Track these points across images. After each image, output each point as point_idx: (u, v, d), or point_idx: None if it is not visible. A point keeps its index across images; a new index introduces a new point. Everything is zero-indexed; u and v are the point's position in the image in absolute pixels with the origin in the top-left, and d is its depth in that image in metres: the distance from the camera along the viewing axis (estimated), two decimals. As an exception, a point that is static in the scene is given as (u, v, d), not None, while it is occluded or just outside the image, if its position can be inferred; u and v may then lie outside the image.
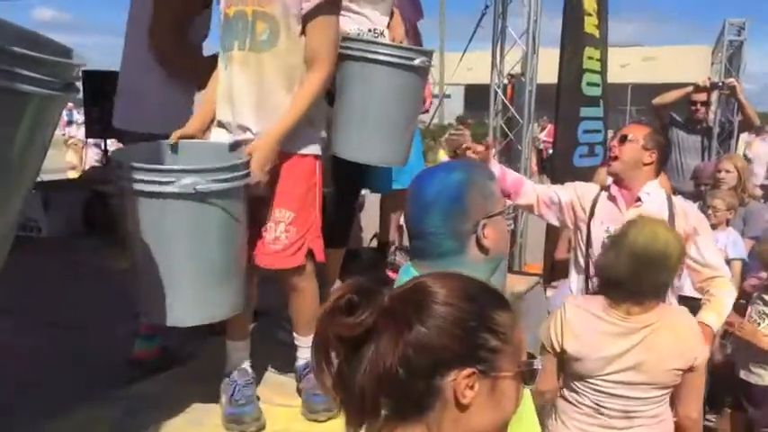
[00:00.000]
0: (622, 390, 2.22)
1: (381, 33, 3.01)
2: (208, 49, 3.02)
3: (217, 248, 2.09)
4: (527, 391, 1.04)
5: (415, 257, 1.46)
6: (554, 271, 4.63)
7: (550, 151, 9.89)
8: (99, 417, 2.25)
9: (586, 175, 4.12)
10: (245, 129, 2.32)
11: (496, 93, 5.02)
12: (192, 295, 2.10)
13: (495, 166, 2.71)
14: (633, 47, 26.83)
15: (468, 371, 0.88)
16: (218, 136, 2.38)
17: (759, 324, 3.47)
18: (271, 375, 2.67)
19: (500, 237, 1.43)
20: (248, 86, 2.30)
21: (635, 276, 2.18)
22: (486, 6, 4.96)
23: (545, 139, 8.46)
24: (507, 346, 0.92)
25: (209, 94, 2.46)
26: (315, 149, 2.41)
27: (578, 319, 2.29)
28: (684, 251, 2.35)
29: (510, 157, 5.43)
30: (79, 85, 1.37)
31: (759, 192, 5.59)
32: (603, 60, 5.01)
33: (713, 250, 2.76)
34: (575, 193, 2.82)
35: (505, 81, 5.29)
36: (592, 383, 2.27)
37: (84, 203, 5.27)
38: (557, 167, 4.69)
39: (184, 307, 2.11)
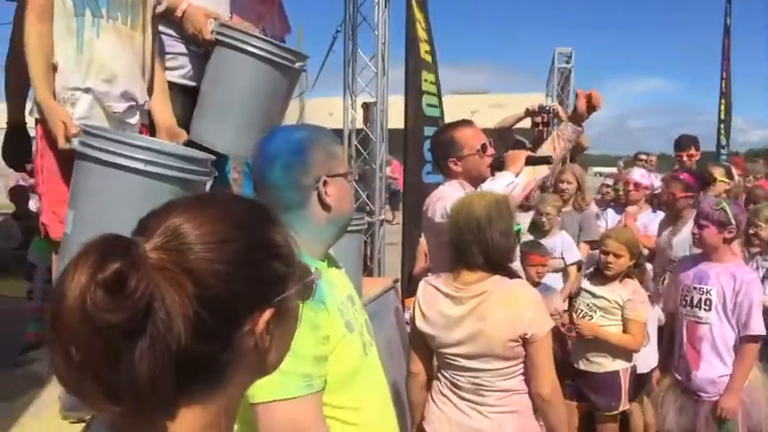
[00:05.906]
0: (466, 362, 2.27)
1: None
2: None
3: None
4: None
5: None
6: (411, 283, 4.74)
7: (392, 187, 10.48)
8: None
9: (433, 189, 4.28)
10: (129, 98, 2.34)
11: (351, 113, 5.15)
12: None
13: None
14: (481, 94, 28.69)
15: (267, 313, 0.76)
16: (86, 103, 2.25)
17: (591, 317, 3.59)
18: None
19: (343, 196, 1.48)
20: (135, 59, 2.37)
21: (453, 239, 2.29)
22: (338, 31, 5.10)
23: (390, 174, 8.82)
24: (292, 267, 0.81)
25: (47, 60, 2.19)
26: None
27: (426, 296, 2.37)
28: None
29: (366, 183, 5.59)
30: None
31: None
32: (438, 84, 5.35)
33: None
34: None
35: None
36: (445, 358, 2.33)
37: None
38: (408, 182, 4.87)
39: None
